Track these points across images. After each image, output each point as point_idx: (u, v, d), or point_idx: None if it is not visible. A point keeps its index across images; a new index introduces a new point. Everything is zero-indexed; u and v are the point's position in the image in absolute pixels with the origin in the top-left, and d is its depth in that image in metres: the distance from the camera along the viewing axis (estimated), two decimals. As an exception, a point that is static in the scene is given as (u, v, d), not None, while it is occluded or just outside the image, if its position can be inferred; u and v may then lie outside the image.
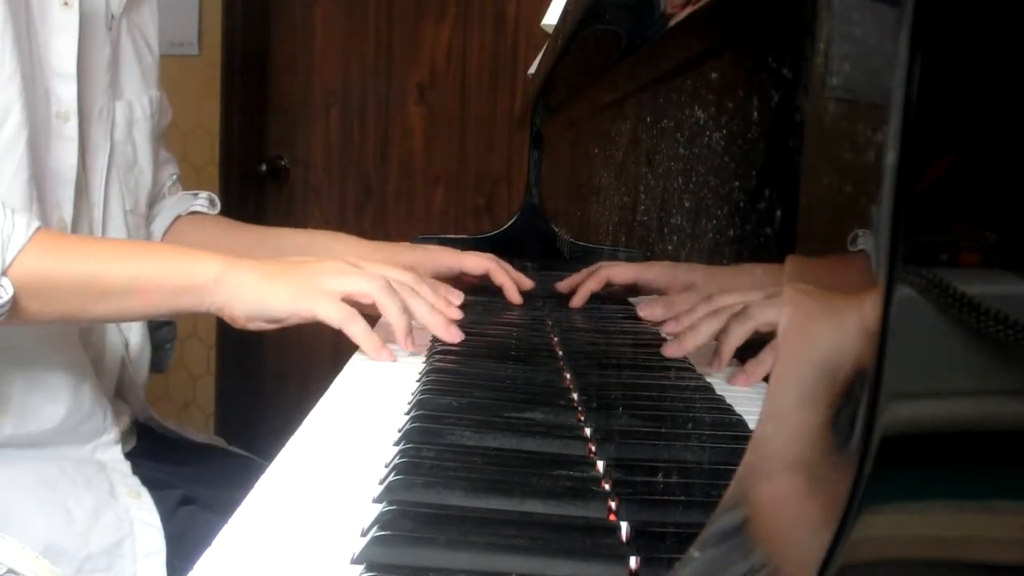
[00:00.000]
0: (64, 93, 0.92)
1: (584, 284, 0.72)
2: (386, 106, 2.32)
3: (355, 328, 0.80)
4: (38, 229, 0.79)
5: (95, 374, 0.99)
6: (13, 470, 0.89)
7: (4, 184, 0.84)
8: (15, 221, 0.78)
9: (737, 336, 0.50)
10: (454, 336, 0.83)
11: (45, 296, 0.79)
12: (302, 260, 0.87)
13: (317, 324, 0.80)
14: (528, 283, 1.13)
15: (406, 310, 0.82)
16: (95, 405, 0.97)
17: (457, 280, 1.10)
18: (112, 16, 0.99)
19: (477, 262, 1.10)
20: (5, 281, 0.76)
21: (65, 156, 0.93)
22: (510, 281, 1.08)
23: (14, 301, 0.76)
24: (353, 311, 0.80)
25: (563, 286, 0.82)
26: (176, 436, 1.12)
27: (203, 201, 1.17)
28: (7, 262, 0.76)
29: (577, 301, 0.74)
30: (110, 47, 1.00)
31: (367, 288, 0.81)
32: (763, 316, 0.47)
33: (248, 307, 0.81)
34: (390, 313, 0.81)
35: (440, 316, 0.84)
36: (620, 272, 0.63)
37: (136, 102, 1.05)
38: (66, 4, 0.91)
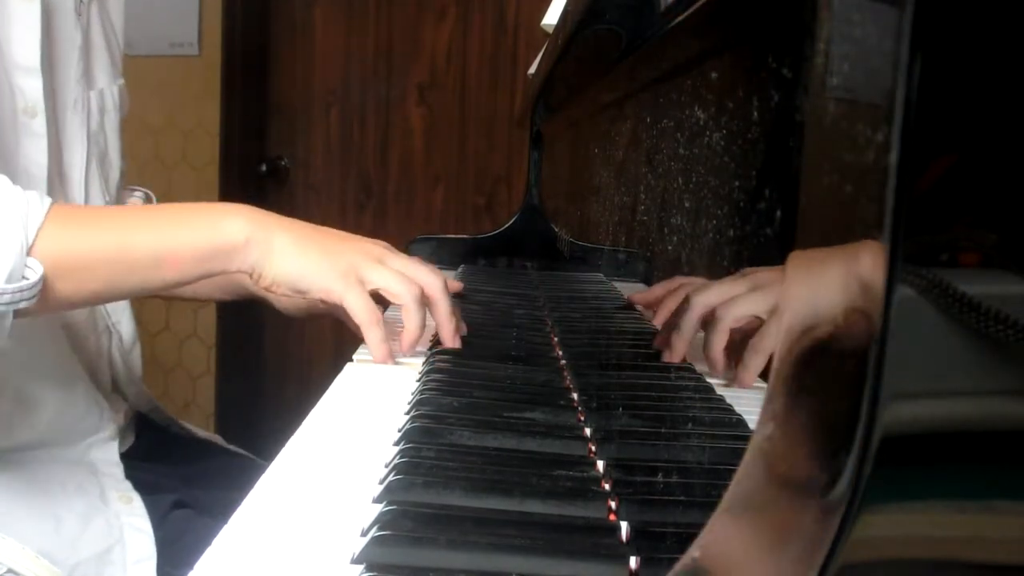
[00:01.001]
0: (28, 87, 0.89)
1: (666, 305, 0.71)
2: (386, 106, 2.32)
3: (373, 334, 0.79)
4: (53, 204, 0.75)
5: (88, 372, 0.98)
6: (3, 476, 0.88)
7: None
8: (28, 197, 0.73)
9: (716, 341, 0.52)
10: (456, 344, 0.84)
11: (72, 274, 0.75)
12: (333, 232, 0.84)
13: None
14: (455, 286, 1.08)
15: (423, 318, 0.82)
16: (89, 403, 0.97)
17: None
18: (81, 2, 0.97)
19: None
20: (32, 261, 0.71)
21: (36, 153, 0.90)
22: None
23: (44, 283, 0.72)
24: (379, 316, 0.79)
25: (639, 300, 0.82)
26: (176, 430, 1.11)
27: (136, 200, 1.14)
28: (30, 240, 0.71)
29: (661, 321, 0.74)
30: (81, 34, 0.97)
31: (401, 293, 0.80)
32: (734, 312, 0.48)
33: (278, 273, 0.78)
34: (411, 322, 0.81)
35: (454, 325, 0.84)
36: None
37: (107, 91, 1.03)
38: None
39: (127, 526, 0.90)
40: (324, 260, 0.79)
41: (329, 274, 0.78)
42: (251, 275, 0.79)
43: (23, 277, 0.70)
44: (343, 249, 0.81)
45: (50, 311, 0.78)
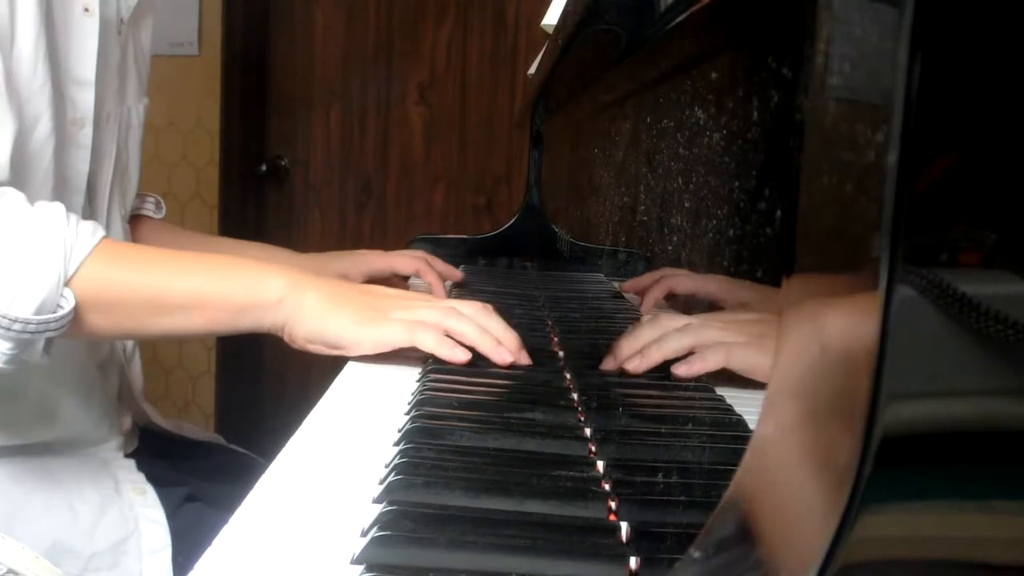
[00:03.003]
0: (80, 99, 0.91)
1: (651, 292, 0.73)
2: (386, 106, 2.32)
3: (423, 336, 0.76)
4: (103, 238, 0.77)
5: (101, 383, 0.99)
6: (20, 469, 0.90)
7: (30, 195, 0.81)
8: (79, 230, 0.76)
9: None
10: (524, 359, 0.79)
11: (107, 309, 0.77)
12: (372, 288, 0.85)
13: None
14: (456, 275, 1.17)
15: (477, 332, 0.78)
16: (103, 412, 0.98)
17: (388, 281, 1.11)
18: (122, 21, 0.99)
19: (407, 262, 1.14)
20: (67, 292, 0.74)
21: (79, 163, 0.92)
22: (438, 280, 1.12)
23: (76, 313, 0.74)
24: (422, 322, 0.77)
25: (628, 287, 0.83)
26: (178, 436, 1.12)
27: (149, 205, 1.16)
28: (69, 272, 0.74)
29: (646, 308, 0.75)
30: (120, 52, 1.00)
31: (435, 318, 0.77)
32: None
33: (308, 330, 0.78)
34: (468, 337, 0.77)
35: (514, 337, 0.79)
36: (682, 283, 0.64)
37: (134, 108, 1.05)
38: (87, 11, 0.91)
39: (142, 517, 0.91)
40: (349, 312, 0.78)
41: (356, 323, 0.77)
42: (283, 335, 0.80)
43: (58, 306, 0.73)
44: (369, 301, 0.80)
45: (78, 339, 0.80)
